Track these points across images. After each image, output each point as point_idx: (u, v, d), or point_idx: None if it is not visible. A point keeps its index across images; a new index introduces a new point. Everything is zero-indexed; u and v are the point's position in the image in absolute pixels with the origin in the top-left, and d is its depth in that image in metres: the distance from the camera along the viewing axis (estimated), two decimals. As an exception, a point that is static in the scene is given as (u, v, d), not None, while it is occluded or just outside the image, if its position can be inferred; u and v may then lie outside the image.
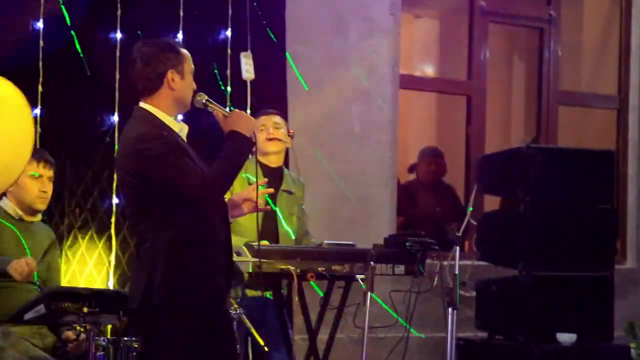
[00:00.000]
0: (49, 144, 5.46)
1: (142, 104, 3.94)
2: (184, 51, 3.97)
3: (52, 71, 5.62)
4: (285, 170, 5.56)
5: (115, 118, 5.71)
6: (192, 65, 3.98)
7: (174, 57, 3.91)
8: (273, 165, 5.45)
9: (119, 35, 5.77)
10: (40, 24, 5.60)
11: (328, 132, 6.50)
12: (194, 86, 3.98)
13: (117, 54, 5.70)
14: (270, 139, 5.42)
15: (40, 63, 5.58)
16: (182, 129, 3.97)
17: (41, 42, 5.59)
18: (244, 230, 5.06)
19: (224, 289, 3.94)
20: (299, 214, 5.49)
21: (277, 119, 5.49)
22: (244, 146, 3.91)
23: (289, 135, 5.51)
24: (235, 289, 4.79)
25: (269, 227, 5.32)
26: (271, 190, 4.41)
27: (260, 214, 5.04)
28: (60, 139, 5.64)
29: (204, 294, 3.83)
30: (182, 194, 3.79)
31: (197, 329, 3.82)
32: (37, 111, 5.53)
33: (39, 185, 4.89)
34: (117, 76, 5.66)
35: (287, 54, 6.32)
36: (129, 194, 3.91)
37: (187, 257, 3.81)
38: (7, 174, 3.57)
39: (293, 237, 5.43)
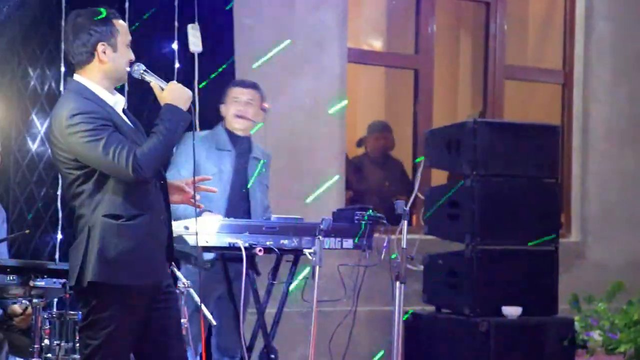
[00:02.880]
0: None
1: (75, 76, 3.89)
2: (119, 22, 3.91)
3: None
4: (253, 139, 5.53)
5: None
6: (129, 36, 3.92)
7: (106, 29, 3.86)
8: (241, 134, 5.42)
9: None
10: None
11: (277, 106, 6.47)
12: (131, 57, 3.92)
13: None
14: (239, 116, 5.39)
15: None
16: (117, 102, 3.92)
17: None
18: (214, 205, 5.06)
19: (162, 264, 3.91)
20: (267, 183, 5.50)
21: (252, 93, 5.43)
22: (179, 120, 3.85)
23: (262, 110, 5.47)
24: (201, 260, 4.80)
25: (239, 196, 5.31)
26: (214, 189, 4.35)
27: (229, 181, 5.08)
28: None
29: (139, 270, 3.81)
30: (113, 171, 3.75)
31: (132, 305, 3.80)
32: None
33: None
34: (63, 48, 5.56)
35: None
36: (62, 170, 3.87)
37: (122, 233, 3.79)
38: None
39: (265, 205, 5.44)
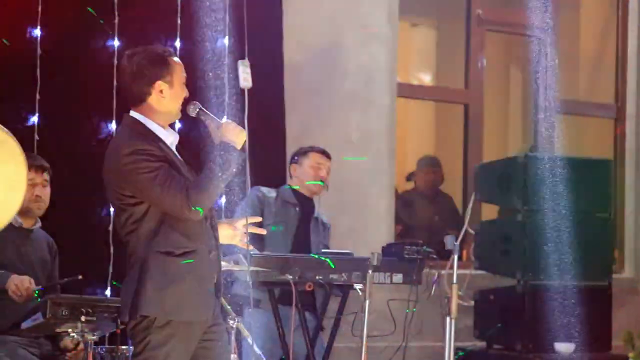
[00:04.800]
0: (46, 151, 5.44)
1: (131, 113, 3.93)
2: (175, 60, 3.94)
3: (50, 78, 5.60)
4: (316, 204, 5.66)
5: (113, 126, 5.70)
6: (184, 74, 3.96)
7: (163, 67, 3.89)
8: (307, 195, 5.53)
9: (116, 42, 5.77)
10: (37, 31, 5.59)
11: (326, 140, 6.48)
12: (186, 94, 3.96)
13: (115, 61, 5.70)
14: (322, 181, 5.50)
15: (38, 70, 5.57)
16: (171, 138, 3.95)
17: (39, 49, 5.58)
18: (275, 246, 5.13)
19: (212, 300, 3.92)
20: (328, 244, 5.56)
21: (330, 164, 5.64)
22: (232, 158, 3.87)
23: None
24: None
25: (301, 252, 5.38)
26: (263, 231, 4.38)
27: (294, 234, 5.15)
28: (57, 146, 5.62)
29: (190, 305, 3.82)
30: (166, 207, 3.78)
31: (183, 340, 3.81)
32: (35, 118, 5.54)
33: (33, 190, 4.88)
34: (115, 83, 5.65)
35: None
36: (116, 205, 3.90)
37: (174, 269, 3.80)
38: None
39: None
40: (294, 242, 5.42)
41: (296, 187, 5.60)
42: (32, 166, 4.88)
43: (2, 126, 3.63)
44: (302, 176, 5.61)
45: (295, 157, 5.66)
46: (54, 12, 5.62)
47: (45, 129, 5.60)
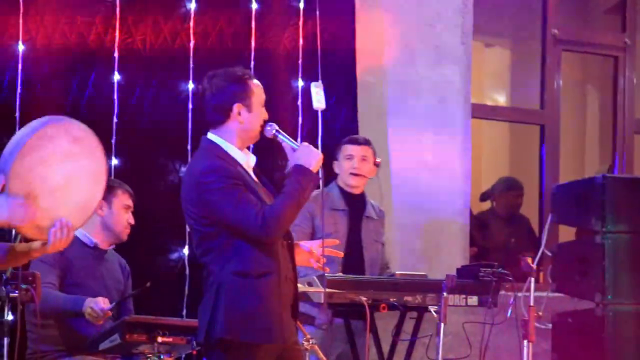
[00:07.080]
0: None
1: (209, 135, 3.95)
2: (254, 82, 3.95)
3: (125, 122, 5.63)
4: (367, 196, 5.54)
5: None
6: (263, 96, 3.97)
7: (242, 89, 3.91)
8: (355, 192, 5.44)
9: (190, 85, 5.78)
10: (116, 76, 5.62)
11: (399, 161, 6.46)
12: (265, 116, 3.97)
13: (190, 105, 5.73)
14: (355, 174, 5.40)
15: (115, 117, 5.60)
16: (249, 161, 3.96)
17: (115, 94, 5.62)
18: (330, 265, 5.07)
19: (288, 322, 3.91)
20: (383, 241, 5.49)
21: (366, 150, 5.46)
22: (309, 182, 3.87)
23: (375, 165, 5.49)
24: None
25: (354, 255, 5.32)
26: (340, 254, 4.35)
27: (344, 241, 5.10)
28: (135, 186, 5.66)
29: (267, 328, 3.82)
30: (241, 229, 3.77)
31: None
32: (113, 162, 5.55)
33: (128, 216, 4.96)
34: (190, 126, 5.69)
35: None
36: (193, 226, 3.92)
37: (250, 291, 3.81)
38: (84, 212, 3.70)
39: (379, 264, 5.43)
40: (346, 248, 5.26)
41: (342, 186, 5.43)
42: (128, 192, 4.97)
43: (80, 122, 3.69)
44: (341, 171, 5.45)
45: (335, 154, 5.48)
46: (131, 57, 5.66)
47: (122, 172, 5.59)
